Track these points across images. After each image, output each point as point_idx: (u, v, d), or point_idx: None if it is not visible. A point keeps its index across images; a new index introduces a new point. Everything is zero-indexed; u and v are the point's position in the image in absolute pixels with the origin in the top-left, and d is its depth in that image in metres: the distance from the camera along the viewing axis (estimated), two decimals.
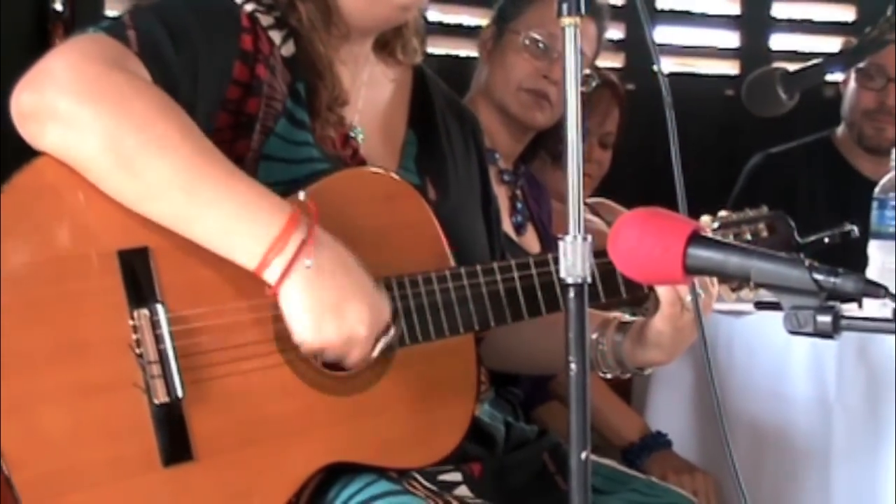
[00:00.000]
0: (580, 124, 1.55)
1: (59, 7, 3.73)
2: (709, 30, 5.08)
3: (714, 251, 1.44)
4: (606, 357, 2.07)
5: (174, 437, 1.72)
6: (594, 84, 2.94)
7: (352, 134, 2.02)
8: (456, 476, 1.92)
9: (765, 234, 2.14)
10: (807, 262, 1.38)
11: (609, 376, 2.10)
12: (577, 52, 1.56)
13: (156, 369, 1.71)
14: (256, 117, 1.89)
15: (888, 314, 1.38)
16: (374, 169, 1.98)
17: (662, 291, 1.97)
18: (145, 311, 1.72)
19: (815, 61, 2.78)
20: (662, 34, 4.87)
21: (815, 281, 1.37)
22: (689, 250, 1.44)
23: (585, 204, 2.26)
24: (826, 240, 2.16)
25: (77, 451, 1.67)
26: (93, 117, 1.69)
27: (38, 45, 3.64)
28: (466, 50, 3.92)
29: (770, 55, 4.96)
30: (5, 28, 3.55)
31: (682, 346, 2.03)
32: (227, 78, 1.86)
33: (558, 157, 3.04)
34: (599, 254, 1.61)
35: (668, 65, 4.80)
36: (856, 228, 2.19)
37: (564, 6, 1.56)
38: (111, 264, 1.71)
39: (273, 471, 1.78)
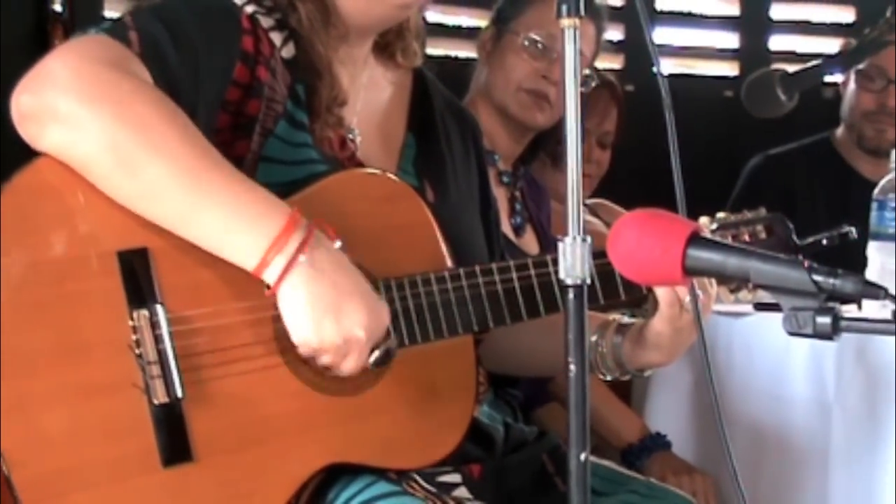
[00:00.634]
0: (580, 125, 1.55)
1: (58, 8, 3.73)
2: (708, 31, 5.08)
3: (713, 252, 1.44)
4: (606, 359, 2.07)
5: (174, 437, 1.72)
6: (593, 85, 2.94)
7: (349, 136, 2.02)
8: (455, 477, 1.92)
9: (763, 235, 2.14)
10: (806, 264, 1.38)
11: (609, 378, 2.10)
12: (577, 53, 1.56)
13: (155, 370, 1.71)
14: (256, 119, 1.89)
15: (888, 315, 1.38)
16: (372, 170, 1.98)
17: (661, 293, 1.97)
18: (145, 312, 1.72)
19: (814, 62, 2.79)
20: (662, 35, 4.87)
21: (815, 282, 1.37)
22: (689, 251, 1.44)
23: (584, 205, 2.26)
24: (824, 241, 2.16)
25: (77, 451, 1.67)
26: (93, 117, 1.69)
27: (37, 46, 3.63)
28: (465, 51, 3.92)
29: (769, 56, 4.96)
30: (5, 29, 3.55)
31: (681, 347, 2.03)
32: (227, 79, 1.86)
33: (558, 159, 3.04)
34: (598, 255, 1.61)
35: (667, 66, 4.80)
36: (853, 230, 2.19)
37: (563, 7, 1.56)
38: (111, 265, 1.71)
39: (273, 472, 1.78)
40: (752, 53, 4.96)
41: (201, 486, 1.74)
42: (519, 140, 2.96)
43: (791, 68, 2.76)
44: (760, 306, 2.63)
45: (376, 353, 1.78)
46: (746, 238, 2.12)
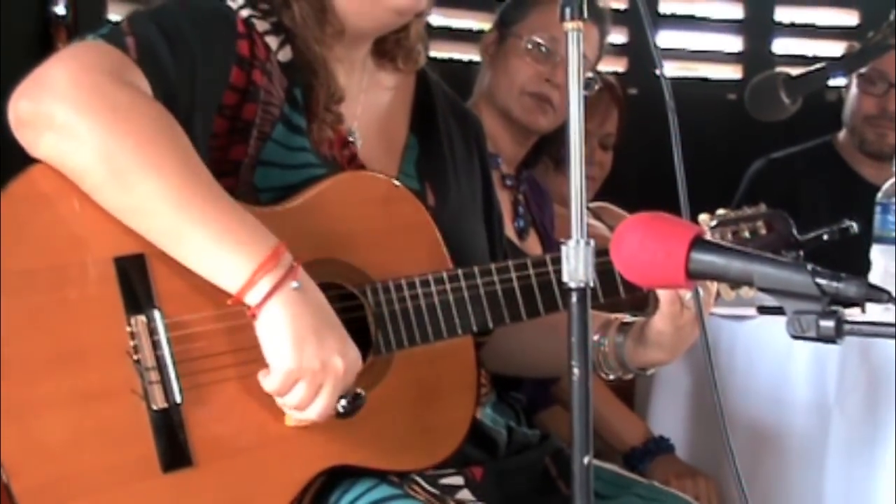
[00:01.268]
0: (583, 128, 1.55)
1: (61, 11, 3.73)
2: (711, 34, 5.07)
3: (716, 256, 1.44)
4: (608, 358, 2.07)
5: (173, 442, 1.71)
6: (597, 88, 2.94)
7: (350, 138, 2.02)
8: (457, 480, 1.92)
9: (763, 231, 2.13)
10: (809, 267, 1.38)
11: (611, 377, 2.10)
12: (581, 56, 1.55)
13: (153, 375, 1.71)
14: (253, 123, 1.89)
15: (891, 318, 1.38)
16: (370, 172, 1.98)
17: (662, 291, 1.97)
18: (142, 318, 1.72)
19: (817, 66, 2.78)
20: (665, 38, 4.87)
21: (818, 285, 1.37)
22: (692, 255, 1.43)
23: (588, 208, 2.26)
24: (825, 237, 2.15)
25: (76, 458, 1.67)
26: (89, 128, 1.69)
27: (40, 49, 3.64)
28: (469, 54, 3.91)
29: (773, 59, 4.96)
30: (8, 32, 3.55)
31: (683, 345, 2.03)
32: (224, 83, 1.86)
33: (560, 162, 3.04)
34: (600, 253, 1.61)
35: (670, 69, 4.80)
36: (854, 225, 2.17)
37: (567, 10, 1.56)
38: (107, 271, 1.71)
39: (273, 475, 1.78)
40: (756, 56, 4.96)
41: (201, 490, 1.74)
42: (522, 143, 2.95)
43: (794, 72, 2.76)
44: (763, 310, 2.63)
45: (346, 399, 1.76)
46: (746, 234, 2.11)
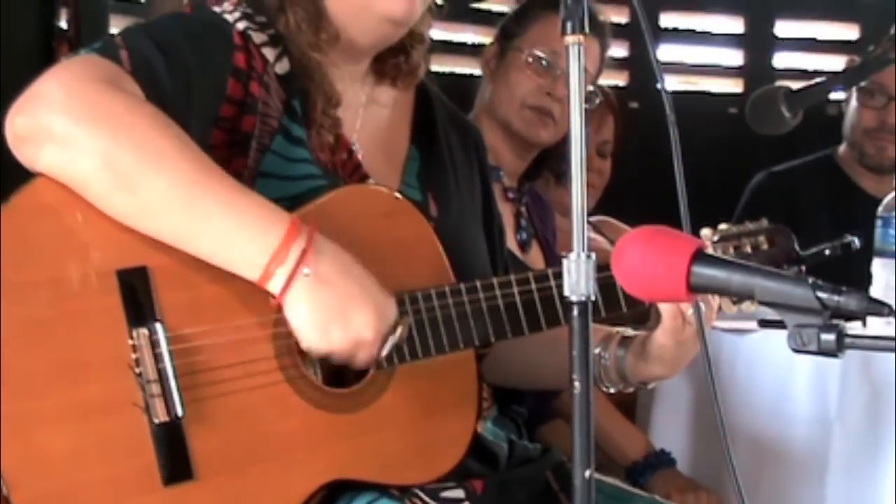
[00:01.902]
0: (584, 142, 1.55)
1: (63, 25, 3.73)
2: (712, 48, 5.09)
3: (718, 269, 1.44)
4: (609, 372, 2.06)
5: (174, 456, 1.71)
6: (597, 101, 2.94)
7: (354, 148, 2.02)
8: (458, 493, 1.92)
9: (765, 246, 2.13)
10: (810, 281, 1.38)
11: (612, 391, 2.10)
12: (582, 70, 1.56)
13: (155, 388, 1.70)
14: (251, 135, 1.89)
15: (892, 332, 1.38)
16: (372, 186, 1.98)
17: (664, 305, 1.96)
18: (144, 331, 1.71)
19: (818, 80, 2.78)
20: (666, 52, 4.88)
21: (819, 299, 1.37)
22: (693, 269, 1.43)
23: (588, 222, 2.26)
24: (827, 252, 2.15)
25: (77, 471, 1.66)
26: (89, 136, 1.69)
27: (42, 63, 3.62)
28: (470, 68, 3.92)
29: (773, 73, 4.97)
30: (10, 46, 3.55)
31: (684, 359, 2.03)
32: (220, 96, 1.86)
33: (561, 176, 3.04)
34: (601, 268, 1.61)
35: (671, 83, 4.81)
36: (856, 240, 2.18)
37: (568, 24, 1.56)
38: (110, 284, 1.71)
39: (274, 489, 1.78)
40: (757, 70, 4.97)
41: None
42: (523, 156, 2.96)
43: (795, 85, 2.76)
44: (765, 323, 2.63)
45: (388, 344, 1.80)
46: (748, 249, 2.11)
